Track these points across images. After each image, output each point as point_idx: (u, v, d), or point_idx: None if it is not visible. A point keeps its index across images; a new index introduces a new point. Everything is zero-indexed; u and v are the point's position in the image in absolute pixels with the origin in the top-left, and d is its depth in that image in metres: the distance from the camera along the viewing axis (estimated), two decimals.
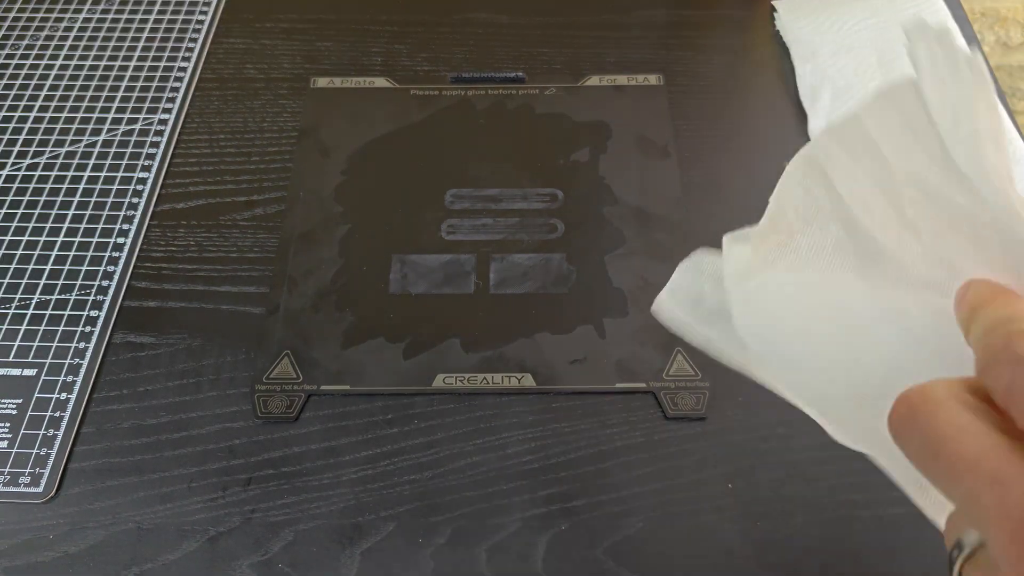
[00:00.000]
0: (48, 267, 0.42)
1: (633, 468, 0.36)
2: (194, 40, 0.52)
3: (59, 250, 0.43)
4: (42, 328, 0.40)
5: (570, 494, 0.34)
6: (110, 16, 0.54)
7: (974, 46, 0.49)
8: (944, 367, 0.21)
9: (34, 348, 0.39)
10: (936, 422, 0.20)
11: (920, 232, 0.23)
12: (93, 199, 0.45)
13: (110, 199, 0.45)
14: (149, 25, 0.53)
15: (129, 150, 0.47)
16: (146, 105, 0.49)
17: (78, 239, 0.43)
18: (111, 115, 0.48)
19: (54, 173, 0.46)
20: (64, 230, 0.43)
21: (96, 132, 0.48)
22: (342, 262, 0.42)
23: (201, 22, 0.53)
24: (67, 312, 0.41)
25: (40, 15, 0.54)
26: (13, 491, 0.35)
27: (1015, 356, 0.19)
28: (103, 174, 0.46)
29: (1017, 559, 0.17)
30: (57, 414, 0.37)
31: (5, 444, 0.37)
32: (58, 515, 0.35)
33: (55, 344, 0.40)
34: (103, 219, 0.44)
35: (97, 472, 0.36)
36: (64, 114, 0.49)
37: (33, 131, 0.48)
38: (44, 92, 0.50)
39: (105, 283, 0.42)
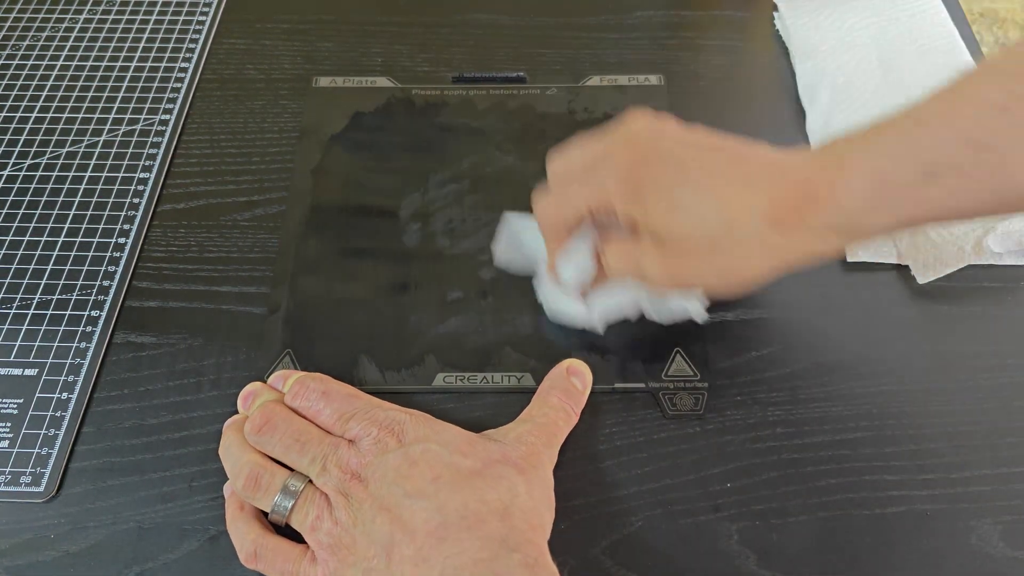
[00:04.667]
0: (49, 267, 0.42)
1: (632, 467, 0.36)
2: (195, 41, 0.52)
3: (60, 250, 0.43)
4: (43, 328, 0.40)
5: (569, 493, 0.34)
6: (111, 17, 0.54)
7: (972, 47, 0.49)
8: None
9: (35, 348, 0.40)
10: None
11: None
12: (94, 199, 0.45)
13: (111, 199, 0.45)
14: (150, 26, 0.53)
15: (130, 150, 0.47)
16: (147, 105, 0.49)
17: (79, 239, 0.43)
18: (112, 115, 0.49)
19: (55, 174, 0.46)
20: (65, 230, 0.44)
21: (97, 133, 0.48)
22: (343, 261, 0.42)
23: (202, 23, 0.53)
24: (68, 312, 0.41)
25: (41, 16, 0.54)
26: (14, 491, 0.36)
27: None
28: (104, 174, 0.46)
29: None
30: (58, 414, 0.38)
31: (6, 444, 0.37)
32: (59, 514, 0.35)
33: (56, 344, 0.40)
34: (104, 219, 0.44)
35: (98, 471, 0.36)
36: (65, 115, 0.49)
37: (34, 132, 0.48)
38: (45, 93, 0.50)
39: (106, 283, 0.42)
